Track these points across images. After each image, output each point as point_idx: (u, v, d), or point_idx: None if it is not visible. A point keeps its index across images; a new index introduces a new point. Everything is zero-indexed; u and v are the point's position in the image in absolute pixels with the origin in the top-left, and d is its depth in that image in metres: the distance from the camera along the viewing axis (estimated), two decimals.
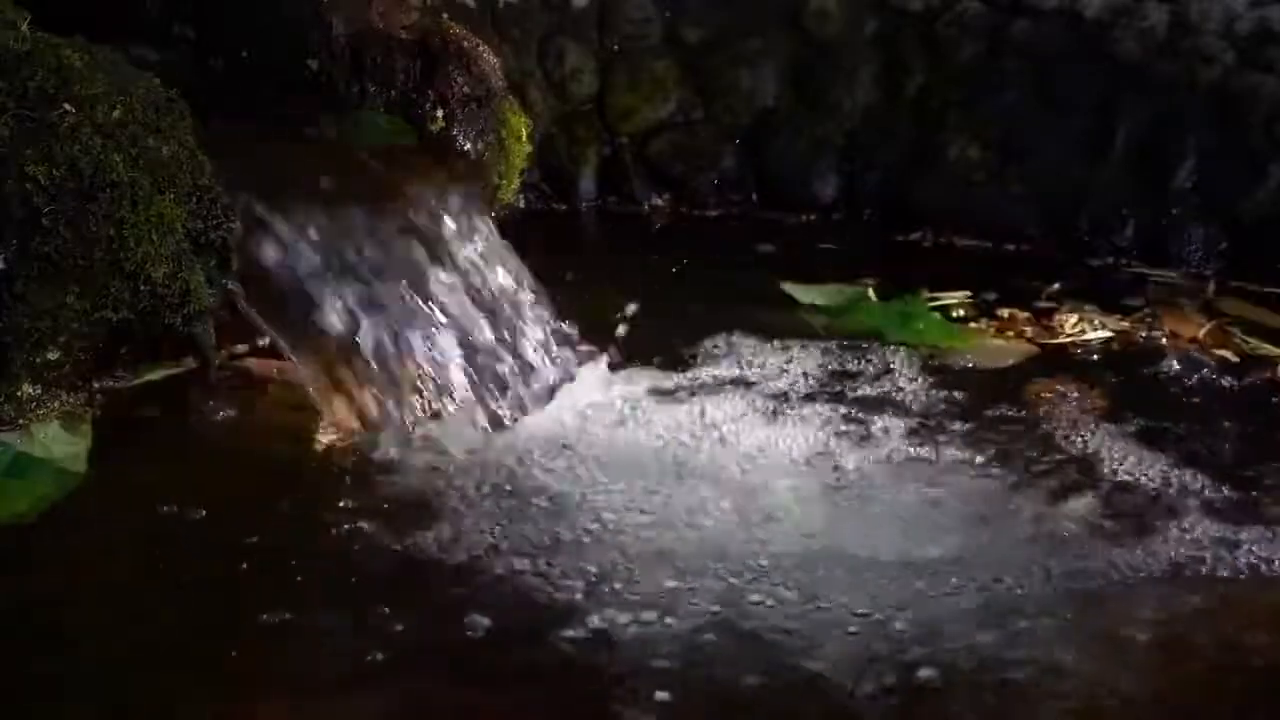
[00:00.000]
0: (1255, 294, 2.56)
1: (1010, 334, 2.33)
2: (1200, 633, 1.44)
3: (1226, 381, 2.14)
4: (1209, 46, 2.82)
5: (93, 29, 1.68)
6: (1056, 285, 2.55)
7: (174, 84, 1.68)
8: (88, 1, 1.85)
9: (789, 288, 2.49)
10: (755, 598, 1.44)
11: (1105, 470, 1.79)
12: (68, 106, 1.51)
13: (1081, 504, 1.68)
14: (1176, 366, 2.17)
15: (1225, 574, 1.53)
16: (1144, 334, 2.35)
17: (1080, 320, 2.38)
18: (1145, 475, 1.77)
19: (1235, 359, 2.23)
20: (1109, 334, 2.33)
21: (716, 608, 1.42)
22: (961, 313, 2.41)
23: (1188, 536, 1.60)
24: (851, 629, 1.38)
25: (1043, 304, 2.47)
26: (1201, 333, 2.34)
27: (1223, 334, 2.34)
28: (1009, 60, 3.00)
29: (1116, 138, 2.84)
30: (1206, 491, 1.72)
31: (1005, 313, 2.40)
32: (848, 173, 3.11)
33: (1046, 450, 1.85)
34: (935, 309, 2.41)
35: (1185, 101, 2.80)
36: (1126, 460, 1.81)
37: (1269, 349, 2.27)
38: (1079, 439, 1.87)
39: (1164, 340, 2.32)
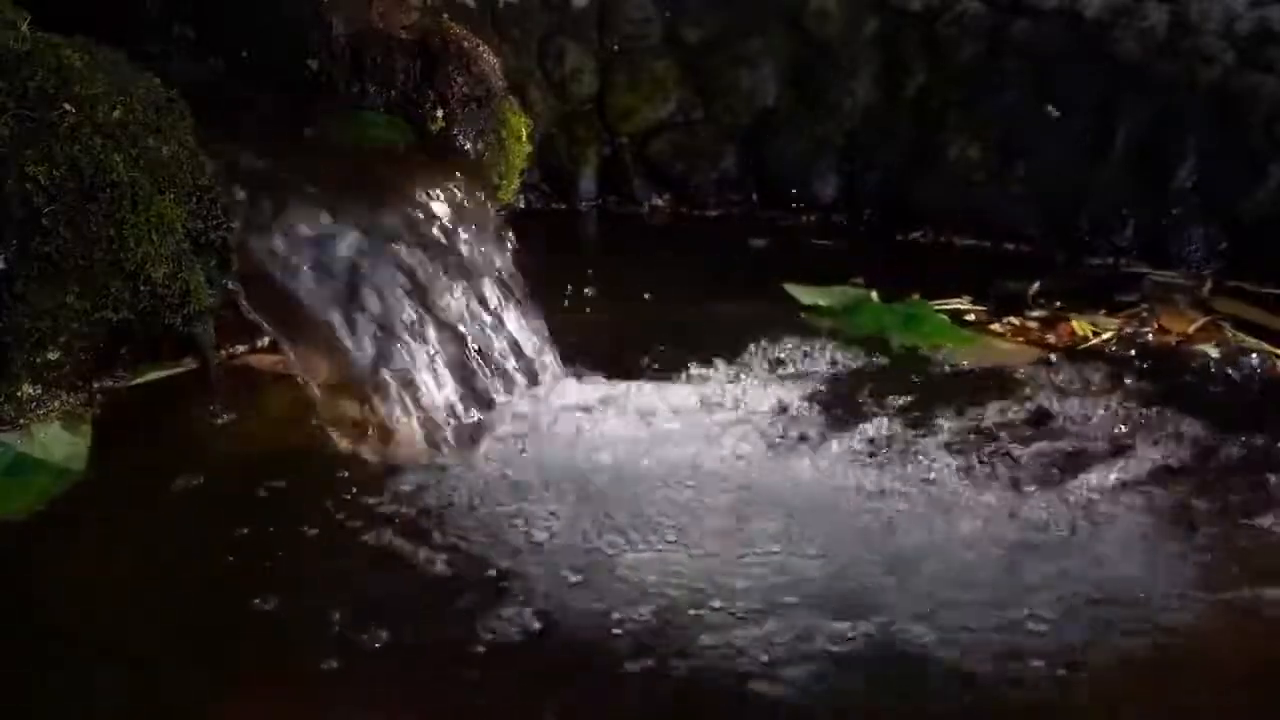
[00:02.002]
0: (1255, 294, 2.56)
1: (1020, 337, 2.31)
2: None
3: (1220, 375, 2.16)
4: (1209, 46, 2.82)
5: (93, 29, 1.68)
6: (1037, 284, 2.54)
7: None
8: (88, 1, 1.85)
9: (792, 289, 2.47)
10: None
11: None
12: (68, 106, 1.51)
13: None
14: (1185, 364, 2.19)
15: None
16: (1132, 328, 2.35)
17: (1081, 320, 2.37)
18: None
19: (1216, 353, 2.24)
20: (1109, 333, 2.33)
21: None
22: (974, 316, 2.39)
23: None
24: None
25: (1042, 305, 2.47)
26: (1191, 329, 2.35)
27: (1214, 331, 2.34)
28: (1009, 60, 3.00)
29: (1116, 138, 2.84)
30: None
31: (1017, 319, 2.38)
32: (848, 173, 3.11)
33: None
34: (942, 312, 2.39)
35: (1185, 101, 2.80)
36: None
37: (1254, 343, 2.28)
38: None
39: (1151, 336, 2.33)
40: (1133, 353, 2.25)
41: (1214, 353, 2.24)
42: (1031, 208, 2.90)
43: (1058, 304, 2.46)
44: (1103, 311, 2.43)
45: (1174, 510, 1.67)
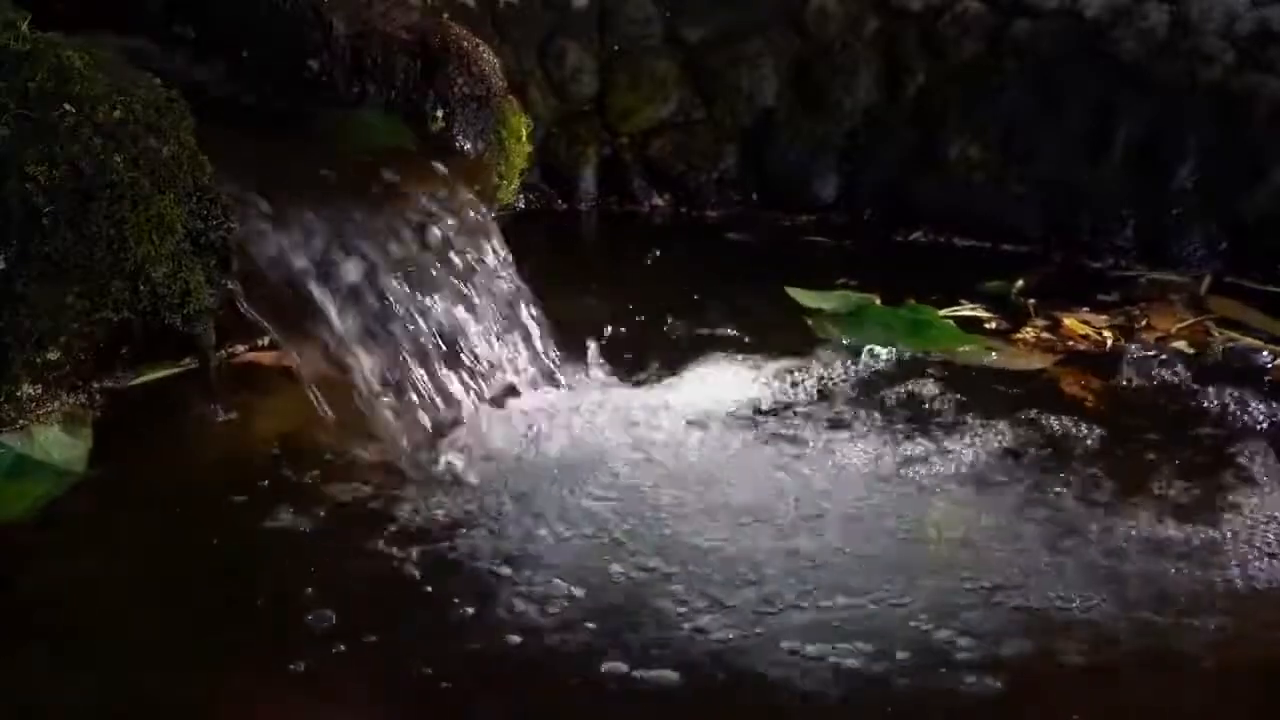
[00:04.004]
0: (1256, 294, 2.55)
1: (1035, 343, 2.28)
2: None
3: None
4: (1209, 46, 2.82)
5: (93, 29, 1.68)
6: (1019, 283, 2.53)
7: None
8: (88, 1, 1.85)
9: (795, 294, 2.44)
10: None
11: None
12: (68, 106, 1.51)
13: None
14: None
15: None
16: (1121, 323, 2.36)
17: (1074, 319, 2.36)
18: None
19: (1190, 351, 2.24)
20: (1107, 333, 2.32)
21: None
22: (995, 325, 2.35)
23: None
24: None
25: (1023, 304, 2.46)
26: (1175, 328, 2.35)
27: (1201, 330, 2.34)
28: (1009, 60, 3.00)
29: (1116, 138, 2.84)
30: None
31: (1034, 326, 2.35)
32: (848, 173, 3.11)
33: None
34: (957, 318, 2.35)
35: (1185, 101, 2.80)
36: None
37: (1241, 338, 2.29)
38: None
39: (1143, 334, 2.33)
40: (1162, 355, 2.21)
41: (1189, 350, 2.24)
42: (1031, 208, 2.90)
43: (1032, 302, 2.45)
44: (1086, 309, 2.42)
45: None
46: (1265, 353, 2.23)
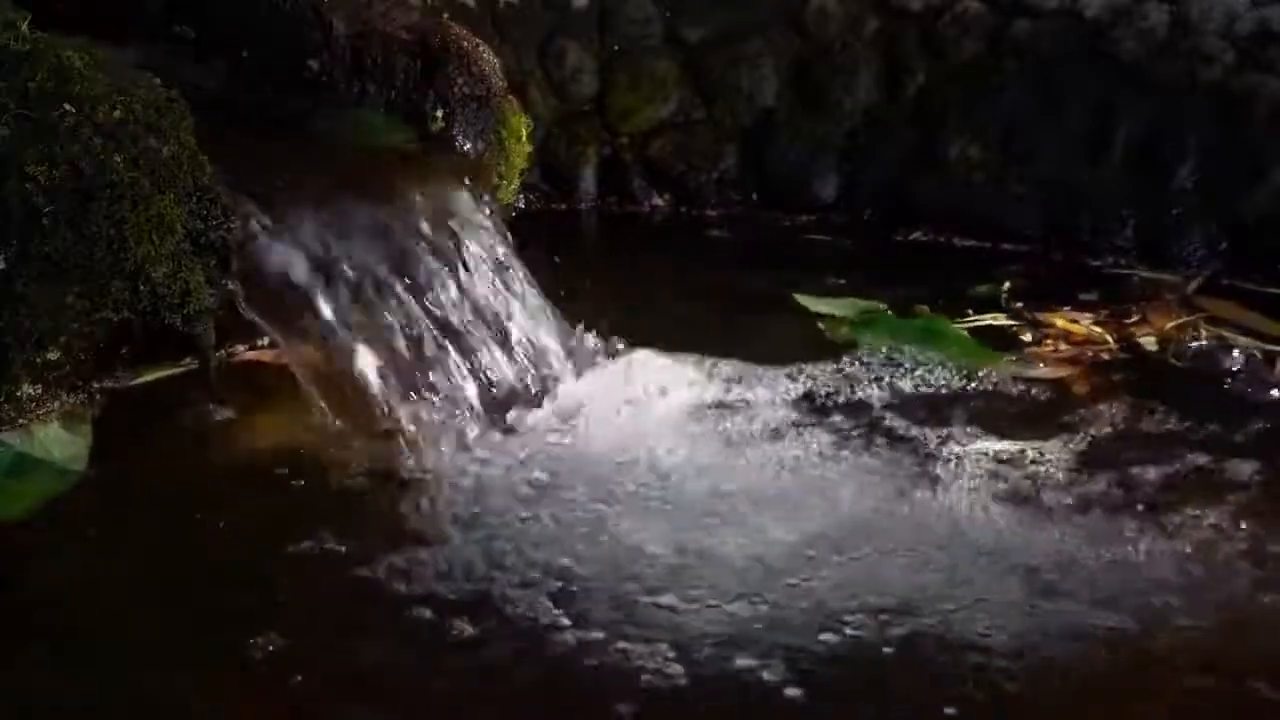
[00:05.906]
0: (1256, 295, 2.55)
1: (1049, 350, 2.24)
2: None
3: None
4: (1209, 46, 2.82)
5: (93, 29, 1.68)
6: (1008, 284, 2.52)
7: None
8: (88, 1, 1.85)
9: (802, 299, 2.41)
10: None
11: None
12: (68, 106, 1.51)
13: None
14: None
15: None
16: (1118, 324, 2.35)
17: (1064, 319, 2.35)
18: None
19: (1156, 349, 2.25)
20: (1111, 336, 2.31)
21: None
22: (1027, 337, 2.30)
23: None
24: None
25: (1013, 306, 2.45)
26: (1168, 326, 2.34)
27: (1193, 330, 2.33)
28: (1009, 60, 3.00)
29: (1116, 138, 2.84)
30: None
31: (1051, 332, 2.32)
32: (848, 173, 3.11)
33: None
34: (976, 328, 2.32)
35: (1185, 101, 2.80)
36: None
37: (1237, 337, 2.28)
38: None
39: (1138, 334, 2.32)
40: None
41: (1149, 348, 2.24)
42: (1031, 208, 2.90)
43: (1019, 305, 2.44)
44: (1081, 310, 2.41)
45: None
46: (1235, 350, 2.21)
